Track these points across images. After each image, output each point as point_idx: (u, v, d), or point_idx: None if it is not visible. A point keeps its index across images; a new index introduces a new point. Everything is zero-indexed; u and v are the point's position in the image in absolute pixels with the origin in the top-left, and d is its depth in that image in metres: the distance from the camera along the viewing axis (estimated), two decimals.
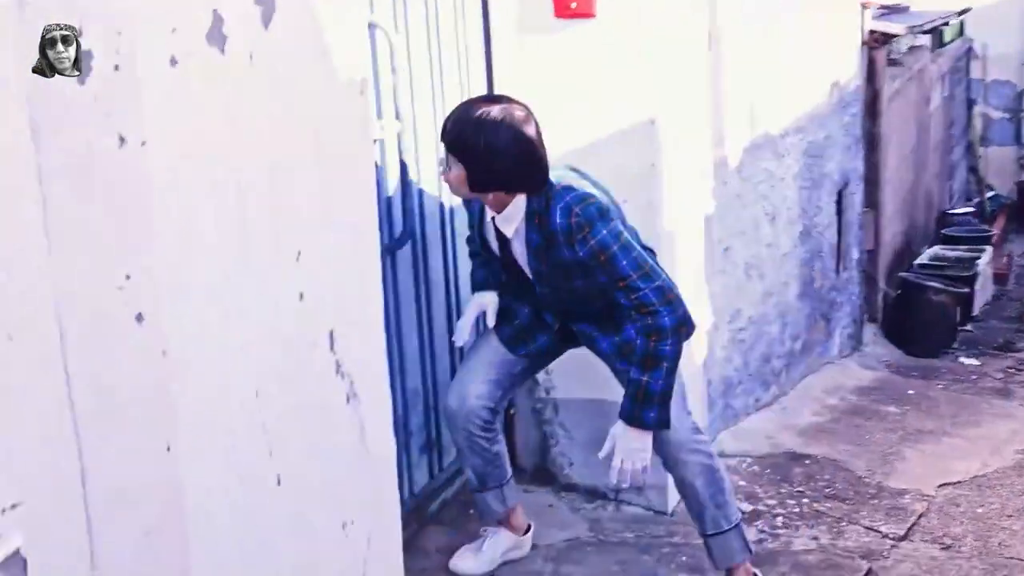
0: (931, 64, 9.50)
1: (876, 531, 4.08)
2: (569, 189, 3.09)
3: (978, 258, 8.60)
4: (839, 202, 6.83)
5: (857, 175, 7.30)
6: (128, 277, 1.95)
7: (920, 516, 4.24)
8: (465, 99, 3.31)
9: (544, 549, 3.82)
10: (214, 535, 2.05)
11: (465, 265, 4.04)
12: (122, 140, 1.92)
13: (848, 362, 6.56)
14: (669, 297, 3.08)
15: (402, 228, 3.63)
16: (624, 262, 3.06)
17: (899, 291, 7.70)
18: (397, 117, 3.61)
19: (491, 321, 3.44)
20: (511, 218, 3.17)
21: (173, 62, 1.95)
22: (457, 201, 3.91)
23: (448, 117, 3.15)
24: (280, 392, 2.18)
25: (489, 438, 3.44)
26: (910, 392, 6.05)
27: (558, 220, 3.06)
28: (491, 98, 3.20)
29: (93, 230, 1.95)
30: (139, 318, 1.96)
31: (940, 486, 4.57)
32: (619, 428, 3.20)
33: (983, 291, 8.56)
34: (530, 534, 3.78)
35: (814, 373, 6.15)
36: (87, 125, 1.91)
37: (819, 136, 6.46)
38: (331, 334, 2.32)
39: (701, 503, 3.37)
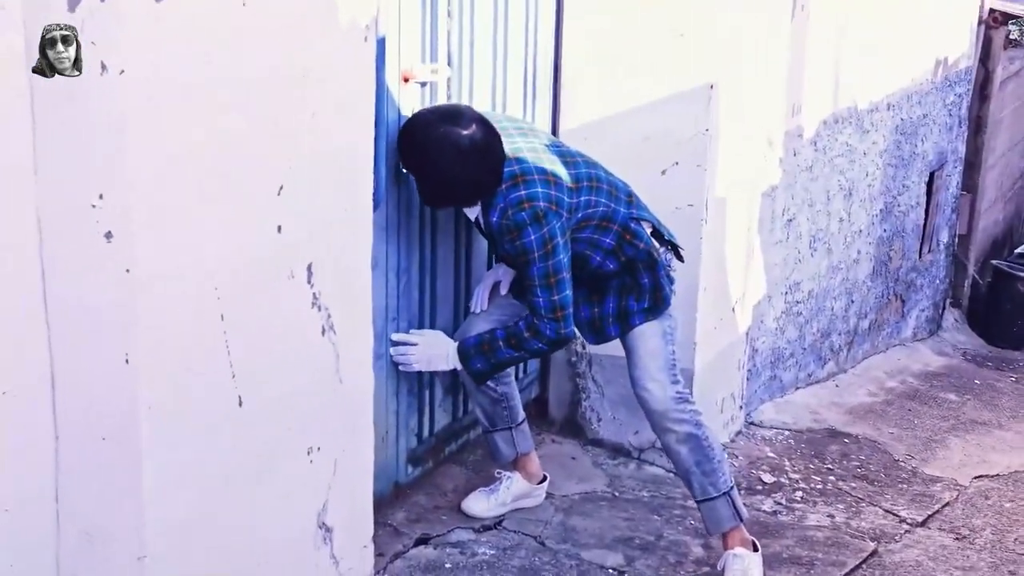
0: None
1: (895, 515, 4.07)
2: (514, 187, 3.15)
3: None
4: (931, 183, 6.71)
5: (956, 157, 7.15)
6: (101, 196, 2.08)
7: (945, 505, 4.20)
8: (420, 108, 3.30)
9: (558, 500, 3.89)
10: (168, 444, 2.18)
11: None
12: (104, 67, 2.04)
13: (920, 346, 6.47)
14: (558, 314, 3.23)
15: None
16: (535, 268, 3.17)
17: (989, 279, 7.53)
18: (448, 63, 3.67)
19: (504, 289, 3.55)
20: (475, 208, 3.28)
21: None
22: None
23: (399, 132, 3.21)
24: (248, 318, 2.30)
25: (494, 377, 3.53)
26: (976, 382, 5.94)
27: (494, 219, 3.18)
28: (439, 114, 3.17)
29: (72, 151, 2.08)
30: (108, 236, 2.08)
31: (976, 477, 4.51)
32: (449, 343, 3.44)
33: None
34: (545, 484, 3.86)
35: (880, 353, 6.09)
36: None
37: (915, 114, 6.34)
38: (309, 268, 2.42)
39: (687, 469, 3.43)
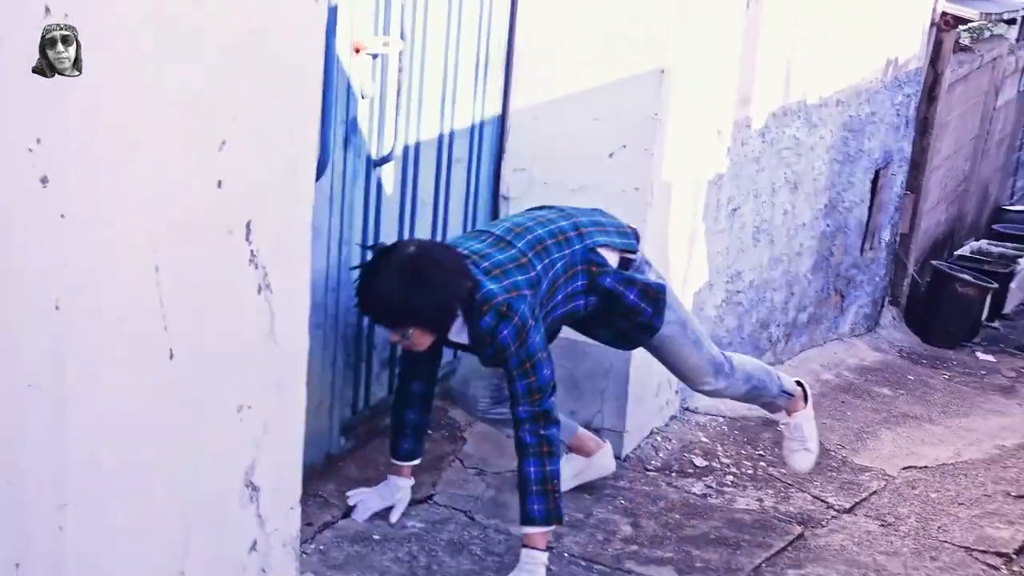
0: (1008, 55, 9.32)
1: (823, 501, 4.13)
2: (485, 295, 3.16)
3: (1021, 257, 8.49)
4: (875, 181, 6.79)
5: (901, 156, 7.24)
6: (39, 141, 2.06)
7: (873, 493, 4.27)
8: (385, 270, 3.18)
9: (490, 476, 3.91)
10: (95, 393, 2.17)
11: (457, 188, 4.12)
12: (47, 11, 2.02)
13: (857, 341, 6.55)
14: (534, 397, 3.22)
15: (391, 146, 3.69)
16: (513, 360, 3.19)
17: (929, 279, 7.63)
18: (401, 36, 3.67)
19: (394, 518, 3.55)
20: (459, 328, 3.26)
21: None
22: (456, 126, 4.00)
23: (375, 297, 3.15)
24: (183, 272, 2.28)
25: (505, 408, 3.50)
26: (910, 378, 6.03)
27: (469, 335, 3.22)
28: (398, 264, 3.13)
29: (9, 94, 2.06)
30: (44, 180, 2.06)
31: (904, 468, 4.59)
32: (542, 556, 3.30)
33: (1019, 290, 8.45)
34: (608, 447, 3.93)
35: (818, 347, 6.16)
36: None
37: (863, 111, 6.41)
38: (248, 225, 2.41)
39: (752, 403, 3.98)
